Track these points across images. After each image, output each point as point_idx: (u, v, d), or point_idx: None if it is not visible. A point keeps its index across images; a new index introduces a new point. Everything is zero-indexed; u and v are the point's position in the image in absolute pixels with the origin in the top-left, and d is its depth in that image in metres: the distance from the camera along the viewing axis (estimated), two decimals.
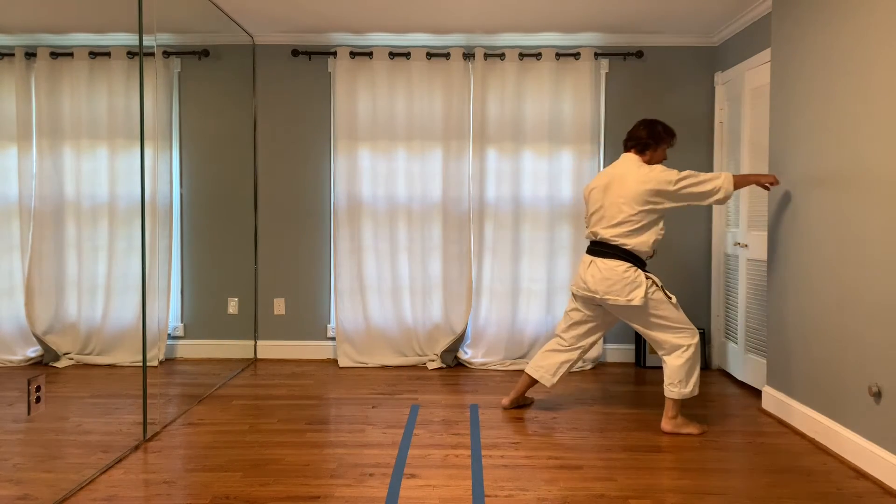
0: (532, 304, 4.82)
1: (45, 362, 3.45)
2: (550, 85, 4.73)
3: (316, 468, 2.90)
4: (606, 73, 4.85)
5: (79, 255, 3.61)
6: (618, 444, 3.23)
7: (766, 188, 3.49)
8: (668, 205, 3.34)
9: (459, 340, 4.83)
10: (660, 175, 3.31)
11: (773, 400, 3.68)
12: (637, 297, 3.29)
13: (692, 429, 3.37)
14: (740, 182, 3.36)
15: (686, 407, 3.74)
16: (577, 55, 4.72)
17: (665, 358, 3.42)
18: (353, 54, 4.77)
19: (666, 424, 3.39)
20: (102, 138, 3.61)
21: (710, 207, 4.84)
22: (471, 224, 4.80)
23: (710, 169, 4.83)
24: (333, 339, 4.96)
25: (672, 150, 4.79)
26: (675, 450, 3.15)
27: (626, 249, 3.36)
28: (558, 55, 4.73)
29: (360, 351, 4.84)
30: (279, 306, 4.96)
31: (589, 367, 4.77)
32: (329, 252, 4.96)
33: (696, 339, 3.38)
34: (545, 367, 3.64)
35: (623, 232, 3.35)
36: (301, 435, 3.33)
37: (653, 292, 3.33)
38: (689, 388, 3.36)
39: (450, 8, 4.21)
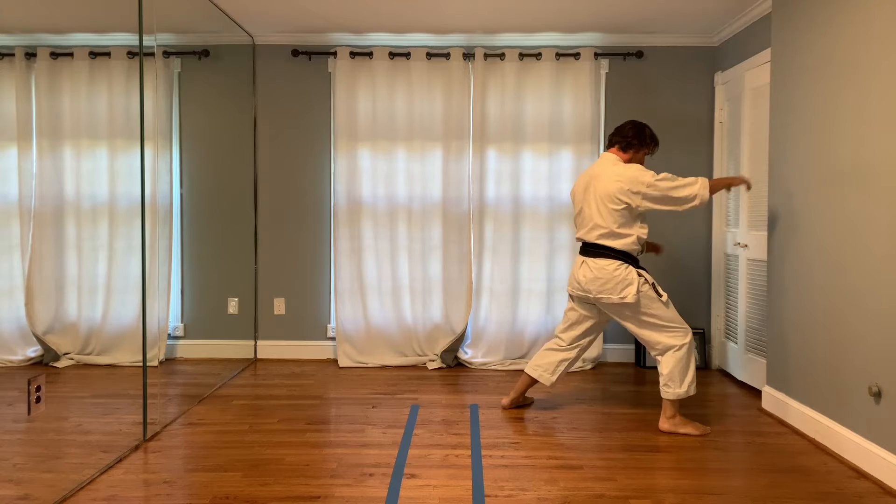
0: (532, 304, 4.82)
1: (45, 362, 3.45)
2: (550, 85, 4.73)
3: (316, 468, 2.90)
4: (606, 73, 4.85)
5: (79, 255, 3.61)
6: (618, 444, 3.23)
7: (748, 186, 3.49)
8: (643, 206, 3.34)
9: (459, 340, 4.83)
10: (634, 174, 3.32)
11: (773, 400, 3.68)
12: (629, 295, 3.31)
13: (691, 429, 3.37)
14: (714, 187, 3.36)
15: (686, 406, 3.74)
16: (577, 55, 4.72)
17: (658, 358, 3.42)
18: (353, 54, 4.77)
19: (664, 424, 3.39)
20: (102, 138, 3.61)
21: (709, 205, 4.83)
22: (471, 224, 4.80)
23: (709, 169, 4.83)
24: (333, 339, 4.96)
25: (672, 150, 4.82)
26: (675, 450, 3.15)
27: (614, 249, 3.38)
28: (558, 55, 4.73)
29: (360, 351, 4.84)
30: (279, 306, 4.96)
31: (589, 367, 4.77)
32: (329, 252, 4.96)
33: (689, 338, 3.37)
34: (543, 365, 3.65)
35: (604, 234, 3.38)
36: (301, 435, 3.33)
37: (645, 290, 3.34)
38: (684, 388, 3.35)
39: (450, 8, 4.21)
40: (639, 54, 4.78)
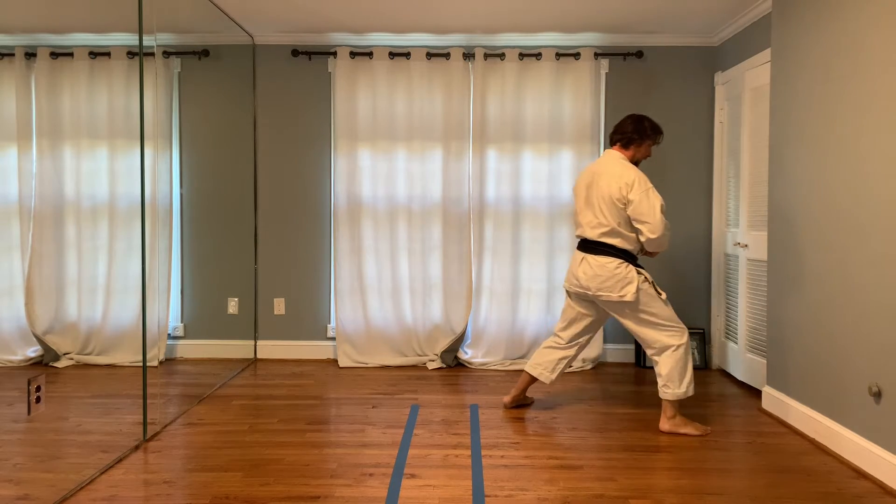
0: (532, 304, 4.82)
1: (45, 362, 3.45)
2: (550, 85, 4.73)
3: (316, 468, 2.90)
4: (606, 73, 4.85)
5: (79, 255, 3.61)
6: (618, 444, 3.23)
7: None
8: (631, 212, 3.32)
9: (459, 340, 4.83)
10: (634, 182, 3.30)
11: (773, 400, 3.68)
12: (629, 293, 3.31)
13: (691, 429, 3.37)
14: (653, 249, 3.40)
15: (686, 406, 3.74)
16: (577, 55, 4.72)
17: (655, 358, 3.41)
18: (353, 54, 4.77)
19: (664, 424, 3.39)
20: (102, 138, 3.61)
21: (709, 205, 4.84)
22: (471, 224, 4.80)
23: (709, 169, 4.83)
24: (333, 339, 4.96)
25: (673, 150, 4.82)
26: (675, 450, 3.15)
27: (616, 247, 3.38)
28: (558, 55, 4.73)
29: (360, 351, 4.83)
30: (279, 306, 4.96)
31: (589, 367, 4.77)
32: (329, 252, 4.96)
33: (686, 338, 3.37)
34: (543, 363, 3.66)
35: (604, 232, 3.39)
36: (301, 435, 3.33)
37: (645, 288, 3.34)
38: (683, 388, 3.35)
39: (450, 8, 4.21)
40: (639, 54, 4.78)
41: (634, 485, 2.75)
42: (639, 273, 3.36)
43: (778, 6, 3.68)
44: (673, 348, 3.35)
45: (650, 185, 3.32)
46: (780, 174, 3.63)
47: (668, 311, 3.38)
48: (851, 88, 3.03)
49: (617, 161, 3.43)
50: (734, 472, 2.90)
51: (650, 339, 3.39)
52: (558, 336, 3.67)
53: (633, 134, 3.46)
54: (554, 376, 3.65)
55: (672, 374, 3.34)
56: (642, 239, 3.35)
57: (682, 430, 3.37)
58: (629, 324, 3.43)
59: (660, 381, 3.40)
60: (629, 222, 3.36)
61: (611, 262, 3.37)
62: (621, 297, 3.33)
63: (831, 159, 3.17)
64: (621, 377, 4.53)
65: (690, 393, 3.36)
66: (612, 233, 3.38)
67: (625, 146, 3.48)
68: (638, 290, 3.32)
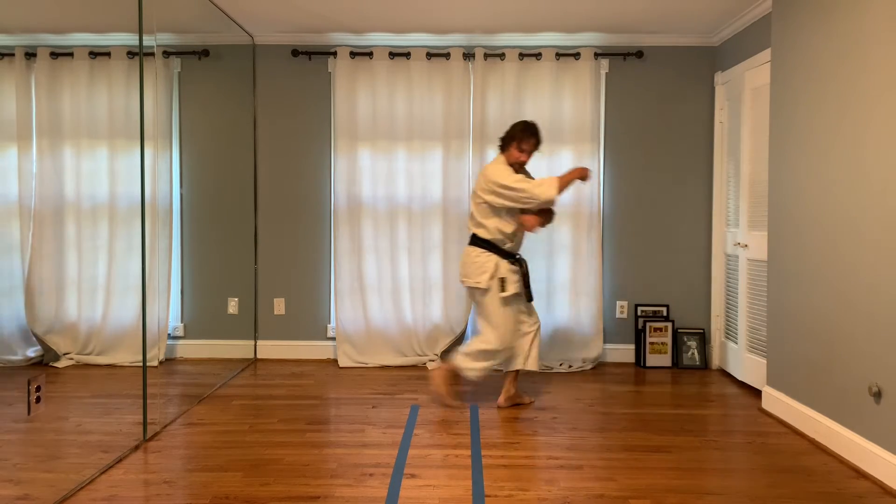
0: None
1: (45, 362, 3.45)
2: (550, 85, 4.73)
3: (316, 468, 2.90)
4: (606, 73, 4.84)
5: (79, 255, 3.61)
6: (618, 444, 3.23)
7: (585, 178, 3.68)
8: (498, 203, 3.59)
9: (459, 340, 4.83)
10: (493, 175, 3.60)
11: (773, 400, 3.68)
12: (483, 280, 3.60)
13: (449, 399, 3.71)
14: (561, 187, 3.57)
15: (685, 406, 3.74)
16: (577, 55, 4.72)
17: (474, 338, 3.70)
18: (353, 54, 4.77)
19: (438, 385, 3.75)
20: (102, 138, 3.62)
21: (709, 205, 4.84)
22: None
23: (709, 169, 4.83)
24: (333, 339, 4.96)
25: (672, 150, 4.82)
26: (675, 450, 3.16)
27: (481, 237, 3.67)
28: (558, 55, 4.73)
29: (360, 351, 4.83)
30: (279, 306, 4.96)
31: (589, 367, 4.77)
32: (329, 252, 4.96)
33: (500, 348, 3.63)
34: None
35: (474, 223, 3.72)
36: (301, 435, 3.33)
37: (496, 281, 3.59)
38: (467, 364, 3.65)
39: (450, 8, 4.21)
40: (639, 54, 4.78)
41: (634, 485, 2.75)
42: (497, 266, 3.60)
43: (778, 6, 3.68)
44: (487, 341, 3.61)
45: (510, 179, 3.55)
46: (780, 174, 3.63)
47: (502, 314, 3.61)
48: (851, 87, 3.03)
49: (494, 162, 3.72)
50: (734, 472, 2.91)
51: (481, 328, 3.68)
52: None
53: (504, 138, 3.74)
54: (521, 360, 3.80)
55: (470, 352, 3.64)
56: (531, 206, 3.57)
57: (444, 395, 3.72)
58: (478, 309, 3.70)
59: (461, 348, 3.74)
60: (489, 215, 3.63)
61: (474, 251, 3.68)
62: (477, 283, 3.61)
63: (831, 159, 3.17)
64: (621, 377, 4.53)
65: (467, 375, 3.67)
66: (478, 224, 3.69)
67: (500, 150, 3.77)
68: (492, 279, 3.58)
